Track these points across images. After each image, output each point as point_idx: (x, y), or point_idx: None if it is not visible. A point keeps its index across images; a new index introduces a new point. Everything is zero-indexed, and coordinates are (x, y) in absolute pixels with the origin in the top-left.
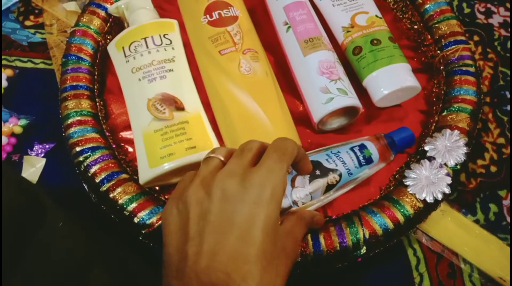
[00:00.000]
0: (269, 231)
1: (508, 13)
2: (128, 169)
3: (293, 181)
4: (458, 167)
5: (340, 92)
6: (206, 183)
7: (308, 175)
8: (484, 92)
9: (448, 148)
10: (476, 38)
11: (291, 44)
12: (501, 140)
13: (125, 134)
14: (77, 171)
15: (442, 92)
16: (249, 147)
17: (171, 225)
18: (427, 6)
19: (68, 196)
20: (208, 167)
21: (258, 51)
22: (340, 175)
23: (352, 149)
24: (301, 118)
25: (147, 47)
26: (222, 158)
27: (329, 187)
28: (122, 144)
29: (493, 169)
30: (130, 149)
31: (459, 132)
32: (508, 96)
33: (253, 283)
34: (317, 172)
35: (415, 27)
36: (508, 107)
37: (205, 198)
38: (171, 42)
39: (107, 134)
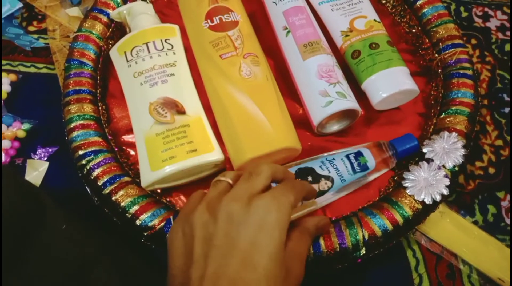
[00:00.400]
0: (273, 256)
1: (505, 17)
2: (130, 172)
3: None
4: (456, 169)
5: (339, 95)
6: (212, 206)
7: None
8: (482, 94)
9: (446, 150)
10: (473, 41)
11: (291, 48)
12: (499, 142)
13: (127, 138)
14: (80, 174)
15: (440, 95)
16: (257, 171)
17: (176, 247)
18: (425, 10)
19: (71, 199)
20: (216, 190)
21: (259, 55)
22: (332, 181)
23: (347, 156)
24: (301, 121)
25: (149, 52)
26: (231, 181)
27: (320, 193)
28: (124, 148)
29: (491, 170)
30: (132, 153)
31: (457, 134)
32: (506, 98)
33: None
34: (309, 178)
35: (413, 31)
36: (506, 110)
37: (210, 222)
38: (172, 47)
39: (109, 137)
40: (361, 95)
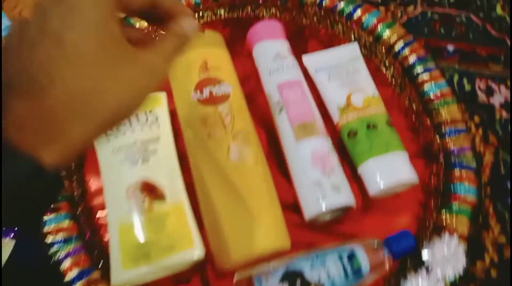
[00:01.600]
0: (85, 33)
1: (509, 92)
2: (101, 260)
3: None
4: (457, 280)
5: (333, 189)
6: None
7: None
8: (484, 182)
9: (447, 258)
10: (476, 119)
11: (284, 127)
12: (502, 239)
13: (102, 215)
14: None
15: (441, 183)
16: None
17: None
18: (426, 88)
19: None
20: None
21: (250, 132)
22: None
23: (340, 258)
24: (292, 205)
25: (131, 125)
26: None
27: None
28: (98, 227)
29: (493, 273)
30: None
31: (458, 236)
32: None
33: (62, 87)
34: (298, 285)
35: (414, 106)
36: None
37: (23, 22)
38: (156, 119)
39: (81, 218)
40: (356, 176)
